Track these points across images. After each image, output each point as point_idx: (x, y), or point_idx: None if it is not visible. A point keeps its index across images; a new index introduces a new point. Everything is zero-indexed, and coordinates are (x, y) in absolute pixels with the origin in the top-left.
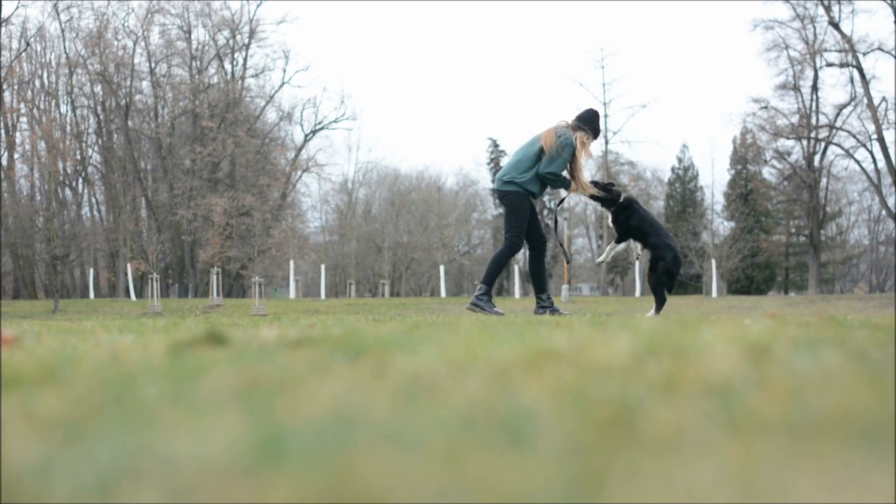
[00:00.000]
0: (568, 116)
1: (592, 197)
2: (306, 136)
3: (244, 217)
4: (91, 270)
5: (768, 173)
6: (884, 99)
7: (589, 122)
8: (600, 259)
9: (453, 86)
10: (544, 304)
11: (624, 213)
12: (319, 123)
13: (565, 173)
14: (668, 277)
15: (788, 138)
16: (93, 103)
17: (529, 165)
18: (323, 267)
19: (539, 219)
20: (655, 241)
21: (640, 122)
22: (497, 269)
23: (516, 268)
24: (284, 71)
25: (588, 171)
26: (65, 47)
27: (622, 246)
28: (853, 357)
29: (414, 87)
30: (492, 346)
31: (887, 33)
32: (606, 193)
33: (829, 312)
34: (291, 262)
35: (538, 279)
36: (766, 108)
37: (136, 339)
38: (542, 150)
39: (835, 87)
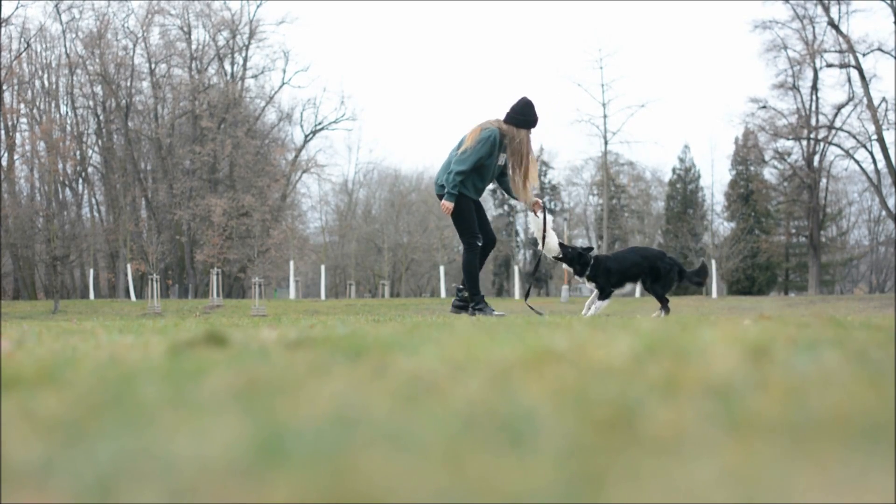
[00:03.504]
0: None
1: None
2: (306, 136)
3: (244, 217)
4: (91, 271)
5: (769, 174)
6: (884, 99)
7: (519, 114)
8: (587, 314)
9: (453, 86)
10: (460, 303)
11: (597, 268)
12: (319, 124)
13: (517, 180)
14: (665, 284)
15: (788, 139)
16: (93, 104)
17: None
18: (323, 267)
19: (488, 218)
20: (655, 264)
21: (640, 122)
22: (473, 275)
23: (516, 268)
24: (284, 71)
25: (587, 172)
26: (65, 48)
27: (607, 303)
28: (853, 358)
29: (414, 88)
30: (492, 346)
31: (887, 33)
32: (565, 250)
33: (829, 313)
34: (291, 263)
35: (469, 278)
36: (764, 108)
37: (135, 340)
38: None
39: (834, 87)
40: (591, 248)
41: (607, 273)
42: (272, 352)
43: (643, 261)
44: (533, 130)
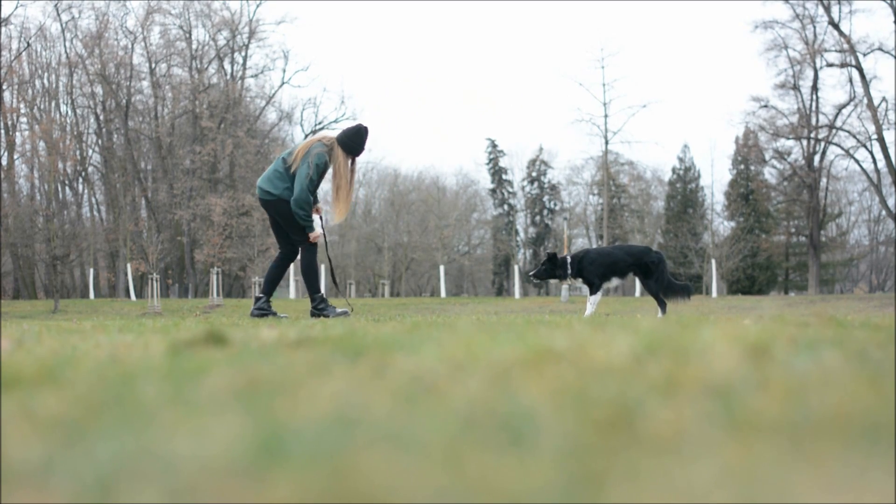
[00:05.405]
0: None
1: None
2: (306, 136)
3: (244, 217)
4: (91, 270)
5: (769, 173)
6: (884, 99)
7: (349, 139)
8: (587, 314)
9: (453, 86)
10: (319, 307)
11: (580, 263)
12: (319, 123)
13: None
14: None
15: (788, 138)
16: (93, 103)
17: (284, 179)
18: (323, 267)
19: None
20: (643, 260)
21: (640, 122)
22: (314, 275)
23: (516, 268)
24: (284, 71)
25: (588, 172)
26: (65, 47)
27: (599, 295)
28: (853, 357)
29: (414, 88)
30: (492, 346)
31: (887, 33)
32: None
33: (829, 313)
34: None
35: (309, 279)
36: (765, 107)
37: (136, 339)
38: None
39: (835, 87)
40: (555, 254)
41: (592, 265)
42: (272, 351)
43: (628, 257)
44: (357, 159)
